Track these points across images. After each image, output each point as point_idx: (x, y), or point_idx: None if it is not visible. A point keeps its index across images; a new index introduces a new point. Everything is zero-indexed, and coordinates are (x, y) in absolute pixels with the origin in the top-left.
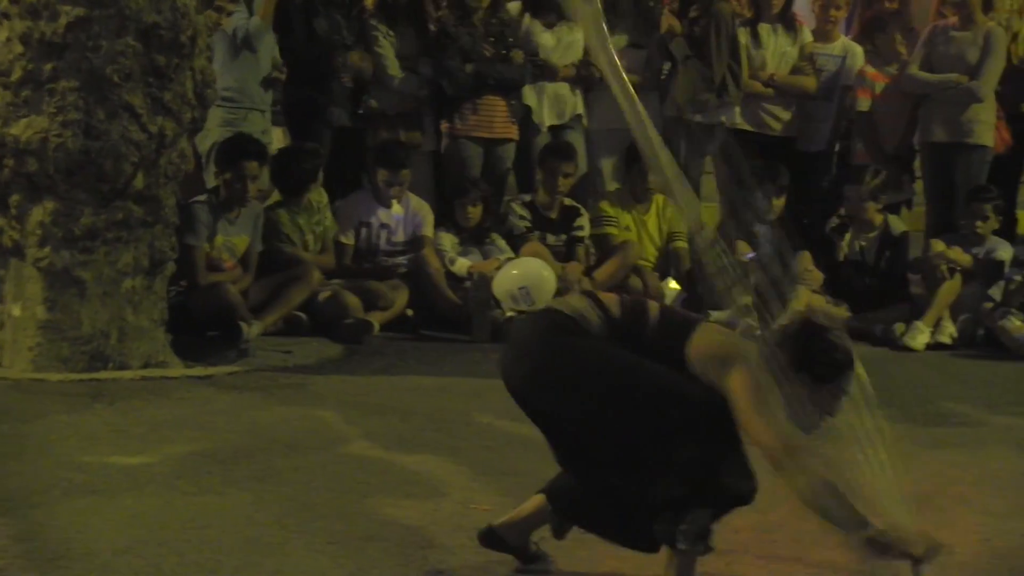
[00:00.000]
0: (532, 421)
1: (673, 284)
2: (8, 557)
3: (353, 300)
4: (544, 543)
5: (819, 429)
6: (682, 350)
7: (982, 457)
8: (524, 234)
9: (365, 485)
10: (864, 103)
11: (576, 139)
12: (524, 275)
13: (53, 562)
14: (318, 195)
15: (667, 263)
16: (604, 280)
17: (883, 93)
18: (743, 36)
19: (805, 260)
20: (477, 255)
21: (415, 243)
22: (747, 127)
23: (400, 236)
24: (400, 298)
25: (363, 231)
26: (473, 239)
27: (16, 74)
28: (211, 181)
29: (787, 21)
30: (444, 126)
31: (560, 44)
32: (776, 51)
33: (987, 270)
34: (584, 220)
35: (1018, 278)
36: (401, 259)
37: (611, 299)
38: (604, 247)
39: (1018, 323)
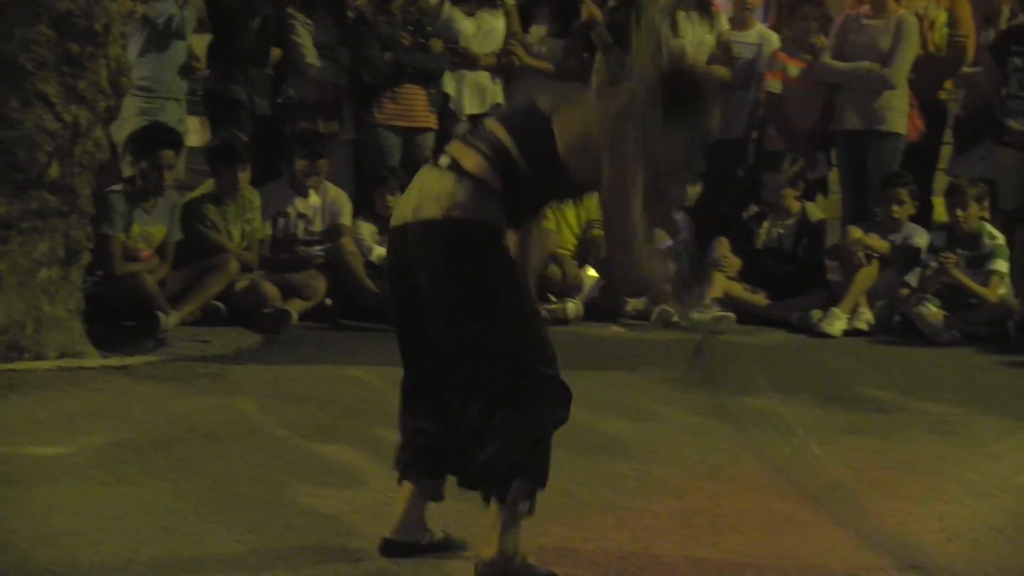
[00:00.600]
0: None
1: (592, 272)
2: None
3: (271, 290)
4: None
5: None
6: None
7: (898, 442)
8: None
9: (284, 474)
10: (775, 86)
11: None
12: None
13: None
14: (251, 193)
15: (586, 251)
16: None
17: (797, 78)
18: (663, 25)
19: (722, 247)
20: None
21: (333, 232)
22: None
23: (318, 226)
24: (318, 288)
25: (280, 221)
26: None
27: None
28: (127, 171)
29: (704, 9)
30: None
31: (480, 32)
32: (694, 39)
33: (904, 257)
34: None
35: (934, 264)
36: (319, 249)
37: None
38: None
39: (934, 309)
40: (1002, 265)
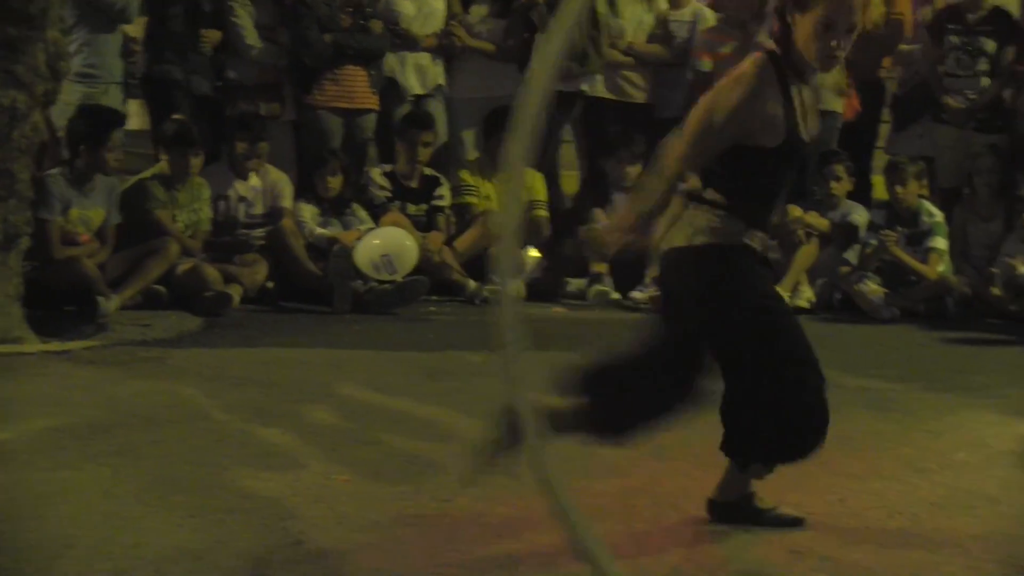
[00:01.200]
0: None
1: (533, 252)
2: None
3: (212, 273)
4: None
5: None
6: None
7: (838, 419)
8: (384, 204)
9: (225, 458)
10: (706, 64)
11: (438, 109)
12: (386, 244)
13: None
14: (200, 183)
15: (528, 231)
16: (465, 249)
17: (730, 57)
18: (601, 5)
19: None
20: (338, 226)
21: (274, 215)
22: (608, 95)
23: (259, 208)
24: (260, 270)
25: (221, 204)
26: (333, 210)
27: None
28: (66, 154)
29: None
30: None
31: (421, 13)
32: (633, 19)
33: (843, 234)
34: (445, 189)
35: (874, 242)
36: (260, 231)
37: None
38: (465, 216)
39: (874, 287)
40: (941, 242)
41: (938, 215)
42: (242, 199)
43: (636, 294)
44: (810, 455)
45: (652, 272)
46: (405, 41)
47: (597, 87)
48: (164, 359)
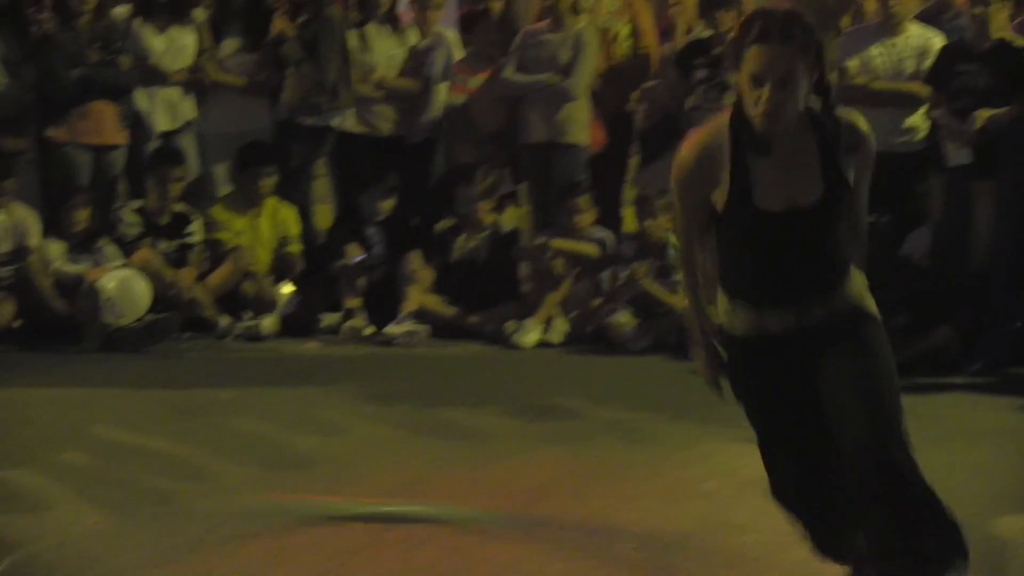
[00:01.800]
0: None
1: (287, 288)
2: None
3: None
4: None
5: None
6: None
7: (590, 449)
8: (135, 240)
9: None
10: (458, 99)
11: (189, 144)
12: (114, 287)
13: None
14: None
15: (280, 267)
16: (217, 285)
17: (479, 90)
18: (352, 40)
19: (414, 260)
20: (88, 262)
21: (20, 253)
22: (358, 129)
23: (4, 246)
24: (5, 309)
25: None
26: (82, 246)
27: None
28: None
29: (393, 22)
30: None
31: (171, 48)
32: (384, 54)
33: (591, 265)
34: (196, 225)
35: (625, 274)
36: (6, 270)
37: None
38: (217, 252)
39: (623, 319)
40: None
41: None
42: None
43: (390, 328)
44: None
45: (407, 306)
46: (155, 76)
47: (348, 122)
48: None
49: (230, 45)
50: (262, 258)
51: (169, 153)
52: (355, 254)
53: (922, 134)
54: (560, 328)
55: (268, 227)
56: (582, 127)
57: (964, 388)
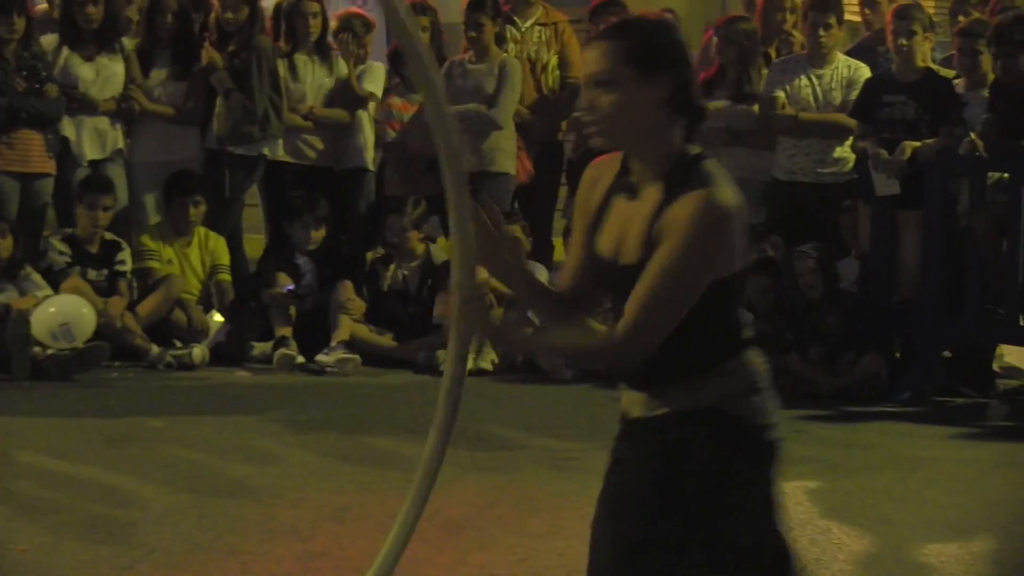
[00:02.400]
0: None
1: (218, 317)
2: None
3: None
4: None
5: None
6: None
7: (520, 479)
8: (64, 269)
9: None
10: (390, 133)
11: (117, 173)
12: (63, 312)
13: None
14: None
15: (211, 296)
16: (147, 314)
17: (410, 122)
18: (282, 69)
19: (346, 289)
20: (13, 291)
21: None
22: (288, 158)
23: None
24: None
25: None
26: (7, 274)
27: None
28: None
29: (323, 52)
30: None
31: (99, 77)
32: (314, 83)
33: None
34: (126, 254)
35: None
36: None
37: None
38: (147, 281)
39: None
40: None
41: None
42: None
43: (321, 357)
44: None
45: (338, 335)
46: (83, 105)
47: (278, 151)
48: None
49: (159, 74)
50: (193, 287)
51: (98, 181)
52: (286, 283)
53: (850, 165)
54: (490, 357)
55: (198, 256)
56: (509, 156)
57: (893, 417)
